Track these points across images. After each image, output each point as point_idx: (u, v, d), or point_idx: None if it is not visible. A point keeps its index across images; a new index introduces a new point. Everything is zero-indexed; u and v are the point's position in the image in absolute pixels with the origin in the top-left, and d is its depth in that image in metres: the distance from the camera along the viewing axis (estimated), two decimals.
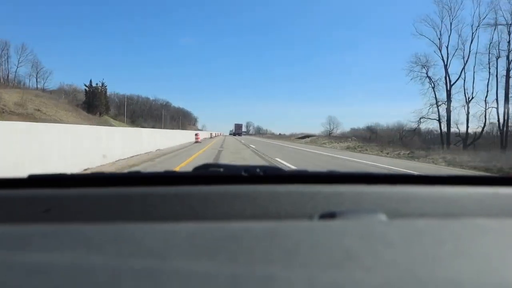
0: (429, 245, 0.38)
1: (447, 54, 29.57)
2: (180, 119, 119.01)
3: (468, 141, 27.99)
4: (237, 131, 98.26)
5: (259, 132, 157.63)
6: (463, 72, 28.85)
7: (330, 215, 0.58)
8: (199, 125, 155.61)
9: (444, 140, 28.62)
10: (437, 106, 29.98)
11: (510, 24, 26.02)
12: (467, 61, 28.63)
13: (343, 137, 39.95)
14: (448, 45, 29.59)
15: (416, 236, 0.42)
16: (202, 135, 31.13)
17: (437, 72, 30.64)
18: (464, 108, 28.91)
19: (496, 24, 26.70)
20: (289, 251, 0.36)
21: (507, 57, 26.31)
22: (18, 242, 0.39)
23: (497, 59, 27.41)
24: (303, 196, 0.70)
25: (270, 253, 0.35)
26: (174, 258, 0.34)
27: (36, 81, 62.33)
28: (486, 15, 27.45)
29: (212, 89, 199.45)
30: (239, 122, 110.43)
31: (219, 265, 0.33)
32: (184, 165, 8.58)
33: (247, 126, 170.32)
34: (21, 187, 0.75)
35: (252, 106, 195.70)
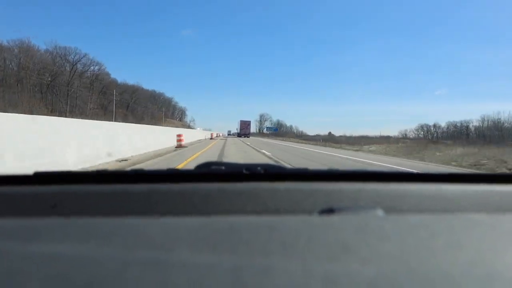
0: (423, 239, 0.39)
1: None
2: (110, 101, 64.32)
3: None
4: (244, 131, 70.03)
5: (280, 129, 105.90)
6: None
7: (328, 211, 0.60)
8: (187, 120, 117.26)
9: None
10: None
11: None
12: None
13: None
14: None
15: (411, 230, 0.42)
16: (167, 139, 14.56)
17: None
18: None
19: None
20: (287, 243, 0.37)
21: None
22: (29, 235, 0.41)
23: None
24: (302, 193, 0.72)
25: (269, 245, 0.37)
26: (177, 250, 0.35)
27: None
28: None
29: (210, 85, 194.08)
30: (246, 119, 75.32)
31: (220, 256, 0.34)
32: None
33: (260, 121, 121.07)
34: (27, 183, 0.77)
35: (255, 104, 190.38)
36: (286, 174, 0.86)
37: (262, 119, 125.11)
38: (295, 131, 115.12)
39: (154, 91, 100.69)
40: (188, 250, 0.35)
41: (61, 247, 0.36)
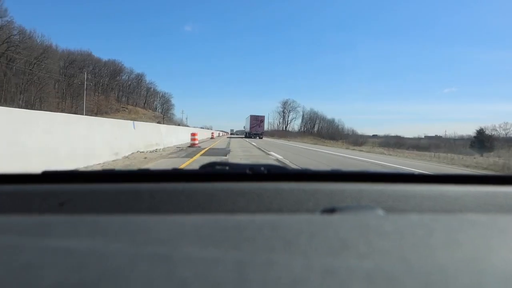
0: (421, 236, 0.40)
1: None
2: None
3: None
4: (255, 129, 49.38)
5: (315, 125, 68.58)
6: None
7: (330, 211, 0.61)
8: (175, 112, 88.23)
9: None
10: None
11: None
12: None
13: None
14: None
15: (410, 228, 0.44)
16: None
17: None
18: None
19: None
20: (289, 240, 0.38)
21: None
22: (39, 230, 0.42)
23: None
24: (305, 193, 0.73)
25: (271, 242, 0.38)
26: (182, 246, 0.37)
27: None
28: None
29: (211, 83, 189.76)
30: (258, 114, 52.90)
31: (224, 252, 0.35)
32: None
33: (284, 112, 78.69)
34: (35, 182, 0.79)
35: (256, 103, 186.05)
36: (289, 174, 0.87)
37: (285, 108, 77.76)
38: (340, 128, 69.17)
39: (112, 61, 57.21)
40: (192, 246, 0.36)
41: (70, 243, 0.37)
